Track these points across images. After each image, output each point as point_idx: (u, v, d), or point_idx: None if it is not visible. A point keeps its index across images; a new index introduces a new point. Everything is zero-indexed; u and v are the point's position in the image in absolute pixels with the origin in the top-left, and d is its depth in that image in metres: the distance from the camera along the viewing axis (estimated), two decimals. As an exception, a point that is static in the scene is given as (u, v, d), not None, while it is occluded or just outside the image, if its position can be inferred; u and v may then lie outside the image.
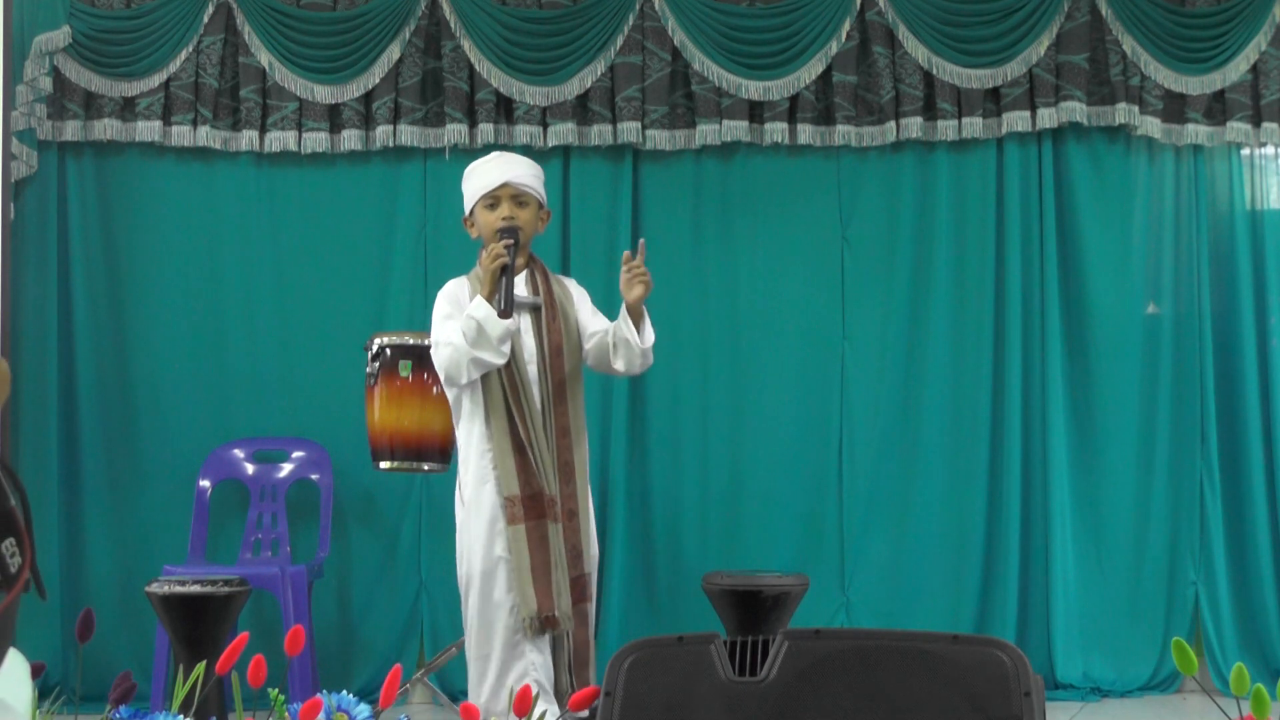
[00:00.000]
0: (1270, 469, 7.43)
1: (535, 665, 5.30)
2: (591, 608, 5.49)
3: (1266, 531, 7.40)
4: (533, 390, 5.42)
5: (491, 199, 5.56)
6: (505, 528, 5.34)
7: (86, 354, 7.53)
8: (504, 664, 5.30)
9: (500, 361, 5.32)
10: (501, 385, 5.38)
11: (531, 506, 5.32)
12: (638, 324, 5.43)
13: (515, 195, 5.55)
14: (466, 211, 5.72)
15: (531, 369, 5.45)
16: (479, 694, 5.35)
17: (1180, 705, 7.23)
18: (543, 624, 5.27)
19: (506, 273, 5.34)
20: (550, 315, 5.52)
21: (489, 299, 5.30)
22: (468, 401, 5.47)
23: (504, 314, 5.27)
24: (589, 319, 5.63)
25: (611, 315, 5.63)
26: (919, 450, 7.52)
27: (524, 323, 5.50)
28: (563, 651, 5.38)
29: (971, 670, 2.86)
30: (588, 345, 5.59)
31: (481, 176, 5.62)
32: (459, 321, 5.36)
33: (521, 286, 5.54)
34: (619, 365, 5.49)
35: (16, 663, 1.78)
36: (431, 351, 5.55)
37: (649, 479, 7.51)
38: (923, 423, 7.53)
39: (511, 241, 5.38)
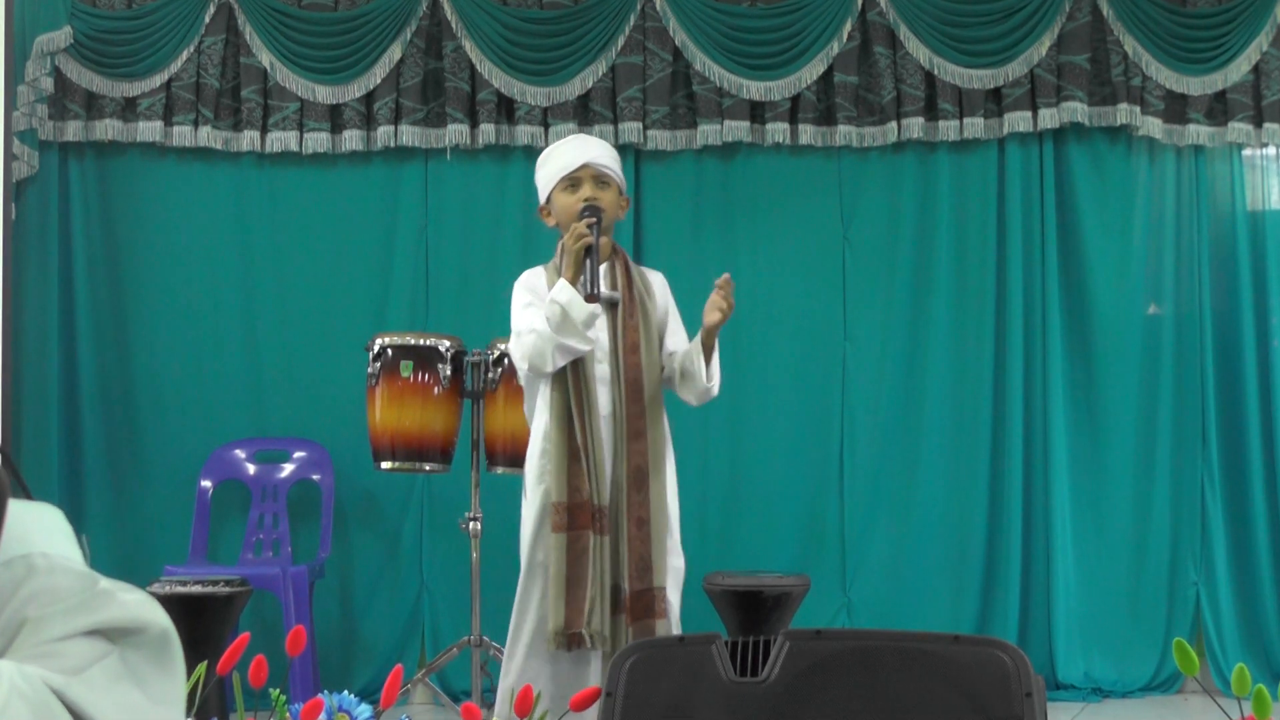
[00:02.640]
0: (1270, 469, 7.43)
1: (553, 675, 5.01)
2: (665, 623, 5.03)
3: (1267, 532, 7.41)
4: (600, 391, 5.08)
5: (571, 180, 5.20)
6: (549, 534, 5.05)
7: (88, 354, 7.53)
8: (522, 670, 5.13)
9: (587, 348, 5.00)
10: (565, 385, 5.06)
11: (575, 516, 5.00)
12: (708, 357, 5.13)
13: (597, 176, 5.19)
14: (542, 200, 5.35)
15: (602, 368, 5.10)
16: (503, 691, 5.19)
17: (1181, 706, 7.23)
18: (568, 641, 4.97)
19: (591, 253, 4.99)
20: (629, 311, 5.17)
21: (573, 282, 4.96)
22: (541, 395, 5.18)
23: (590, 297, 4.93)
24: (674, 328, 5.33)
25: None
26: (920, 451, 7.53)
27: (606, 319, 5.14)
28: None
29: (972, 671, 2.86)
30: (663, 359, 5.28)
31: (559, 159, 5.28)
32: (541, 309, 5.03)
33: (601, 279, 5.14)
34: (686, 396, 5.23)
35: (48, 515, 1.75)
36: (512, 341, 5.19)
37: (650, 479, 7.50)
38: (924, 423, 7.53)
39: (595, 220, 5.03)
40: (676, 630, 5.04)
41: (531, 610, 5.10)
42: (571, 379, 5.07)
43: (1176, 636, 3.27)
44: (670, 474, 5.22)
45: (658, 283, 5.32)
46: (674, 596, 5.10)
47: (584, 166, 5.19)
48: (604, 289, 5.10)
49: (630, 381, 5.10)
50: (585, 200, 5.14)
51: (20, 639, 1.56)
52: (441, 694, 6.88)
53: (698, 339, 5.14)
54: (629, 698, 2.99)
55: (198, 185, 7.63)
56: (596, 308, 4.99)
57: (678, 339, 5.29)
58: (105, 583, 1.63)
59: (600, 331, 5.10)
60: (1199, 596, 7.45)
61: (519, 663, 5.10)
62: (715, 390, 5.17)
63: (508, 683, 5.09)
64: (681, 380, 5.19)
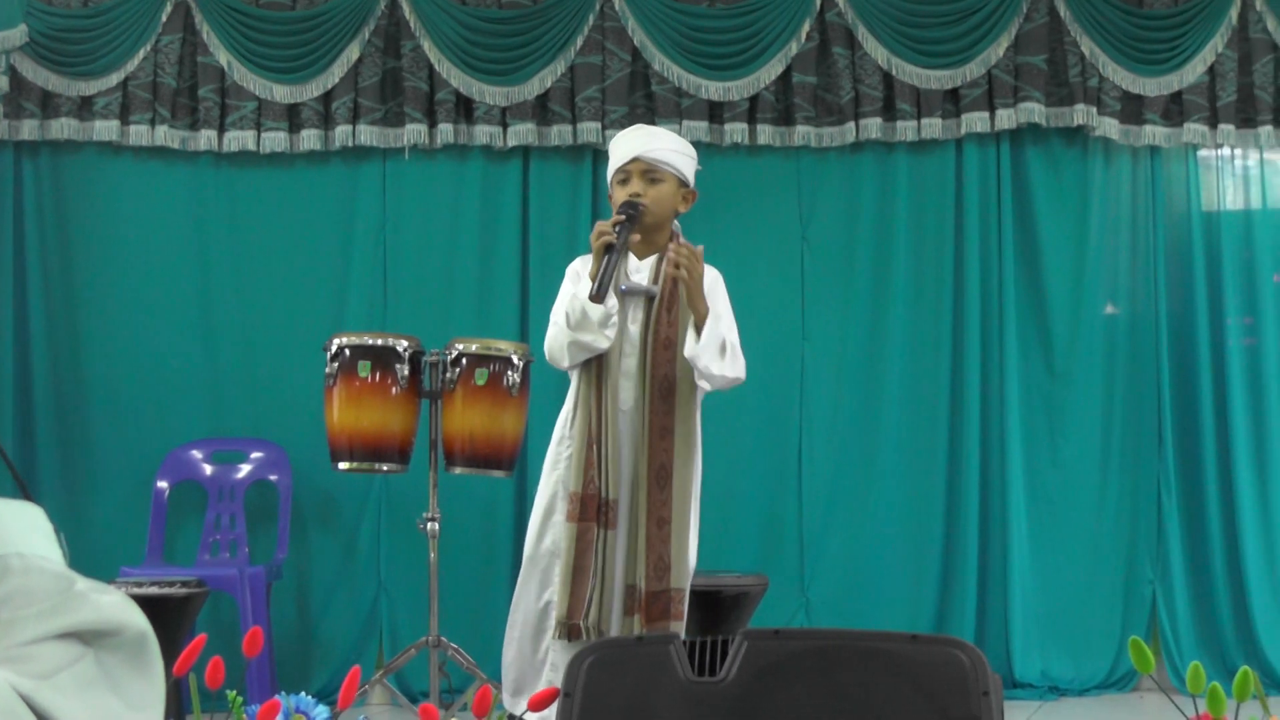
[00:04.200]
0: (1225, 469, 7.47)
1: (554, 666, 4.95)
2: (680, 625, 4.97)
3: (1221, 531, 7.45)
4: (625, 385, 5.03)
5: (623, 174, 5.13)
6: (562, 522, 5.00)
7: (42, 354, 7.50)
8: (516, 657, 5.09)
9: (603, 345, 4.93)
10: (590, 375, 5.02)
11: (585, 508, 4.94)
12: (699, 328, 4.95)
13: (647, 170, 5.09)
14: (609, 192, 5.29)
15: (630, 362, 5.03)
16: (504, 678, 5.17)
17: (1137, 704, 7.26)
18: (569, 631, 4.92)
19: (611, 253, 4.86)
20: (666, 305, 5.05)
21: (593, 279, 4.87)
22: (572, 385, 5.13)
23: (595, 297, 4.82)
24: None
25: None
26: (878, 450, 7.54)
27: (635, 312, 5.07)
28: None
29: (930, 670, 2.86)
30: None
31: (615, 152, 5.20)
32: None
33: (645, 271, 5.12)
34: (701, 383, 5.05)
35: (27, 514, 1.74)
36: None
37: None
38: (881, 423, 7.55)
39: (623, 218, 4.94)
40: (682, 631, 5.00)
41: (524, 599, 5.09)
42: (595, 370, 5.02)
43: (1132, 635, 3.29)
44: (697, 475, 5.13)
45: (707, 278, 5.09)
46: (687, 596, 5.04)
47: (634, 160, 5.11)
48: (643, 280, 5.07)
49: (660, 378, 5.01)
50: (630, 195, 5.06)
51: None
52: (399, 695, 6.86)
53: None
54: (587, 697, 2.98)
55: (154, 184, 7.60)
56: (612, 306, 4.90)
57: None
58: (82, 583, 1.62)
59: (634, 325, 5.05)
60: (1155, 595, 7.49)
61: (514, 650, 5.11)
62: (701, 364, 4.90)
63: (506, 672, 5.12)
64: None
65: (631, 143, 5.18)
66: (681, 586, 4.96)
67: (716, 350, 4.93)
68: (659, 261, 5.10)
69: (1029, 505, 7.48)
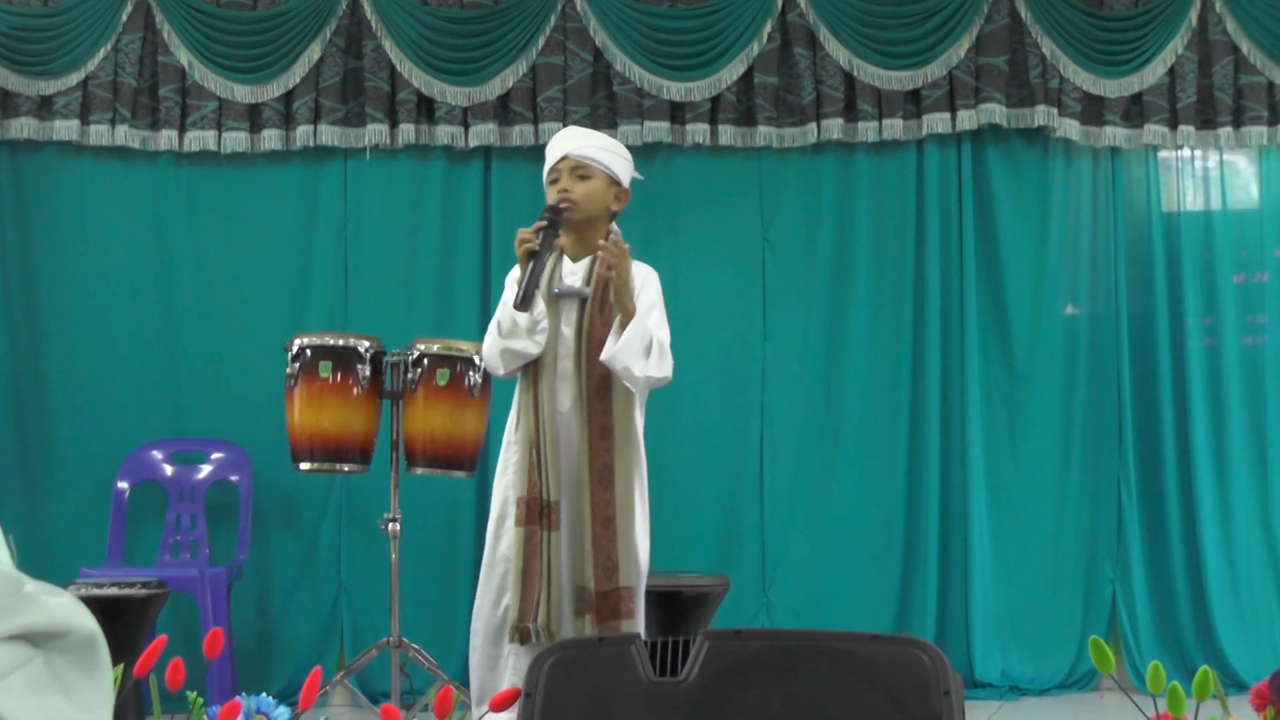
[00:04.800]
0: (1185, 468, 7.50)
1: (517, 670, 4.92)
2: (631, 624, 4.94)
3: (1181, 530, 7.48)
4: (563, 387, 5.00)
5: (555, 174, 5.08)
6: (512, 527, 4.98)
7: (1, 354, 7.47)
8: (479, 664, 5.14)
9: (535, 351, 4.92)
10: (529, 380, 5.00)
11: (531, 511, 4.93)
12: (622, 329, 4.89)
13: (576, 167, 5.04)
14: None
15: (566, 364, 4.99)
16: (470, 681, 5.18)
17: (1097, 703, 7.28)
18: (520, 635, 4.91)
19: (534, 259, 4.83)
20: (598, 306, 5.01)
21: (520, 285, 4.84)
22: (516, 389, 5.11)
23: (520, 305, 4.80)
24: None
25: None
26: (839, 451, 7.56)
27: (568, 314, 5.03)
28: None
29: (891, 670, 2.87)
30: None
31: (547, 155, 5.17)
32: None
33: (579, 273, 5.08)
34: (627, 383, 4.99)
35: None
36: None
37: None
38: (843, 423, 7.56)
39: (544, 224, 4.88)
40: (642, 627, 5.04)
41: (483, 606, 5.07)
42: (533, 374, 5.01)
43: (1093, 634, 3.30)
44: (641, 473, 5.14)
45: (638, 275, 5.09)
46: (641, 591, 5.05)
47: (563, 159, 5.08)
48: (576, 282, 5.05)
49: (596, 378, 4.98)
50: (560, 193, 5.04)
51: None
52: (360, 696, 6.85)
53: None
54: (549, 698, 2.98)
55: (115, 184, 7.57)
56: (539, 313, 4.90)
57: None
58: (31, 585, 1.61)
59: (568, 327, 5.03)
60: (1115, 595, 7.51)
61: (476, 657, 5.10)
62: (619, 366, 4.86)
63: (471, 679, 5.12)
64: None
65: (561, 142, 5.18)
66: (631, 585, 4.96)
67: (639, 351, 4.89)
68: (593, 262, 5.07)
69: (989, 505, 7.50)
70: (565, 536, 4.99)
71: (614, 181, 5.13)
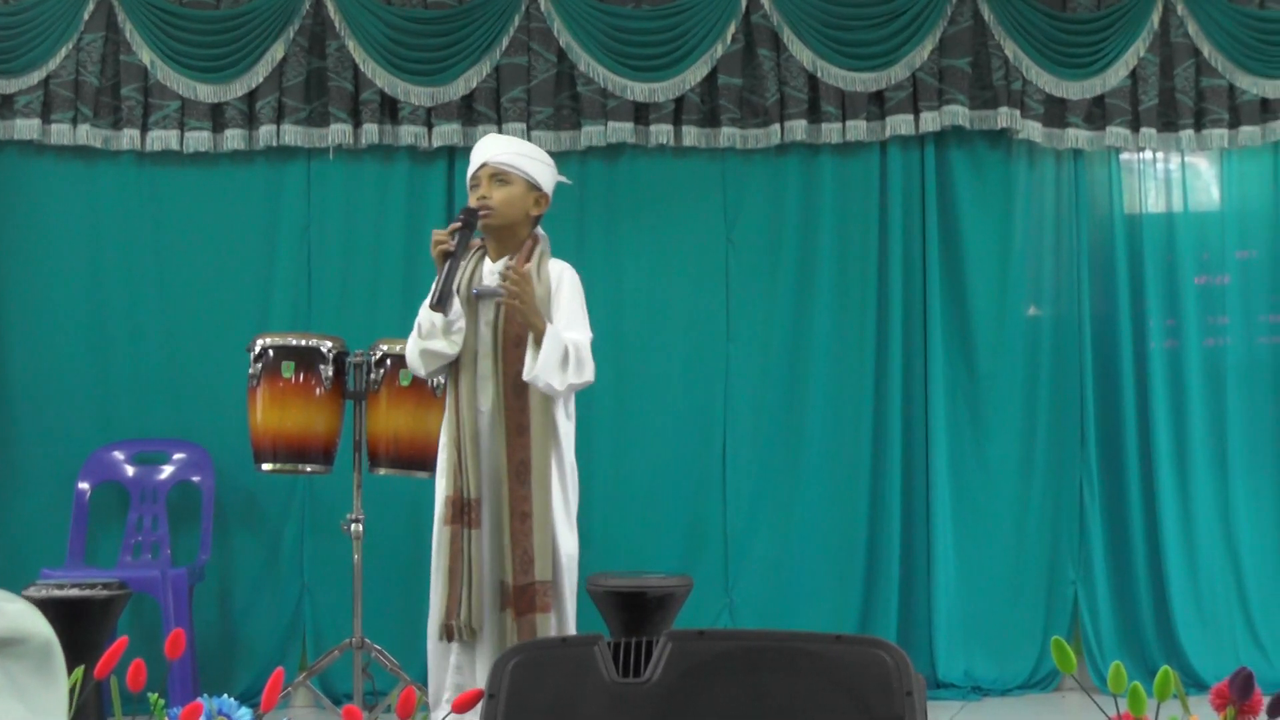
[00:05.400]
0: (1147, 469, 7.53)
1: (459, 667, 5.11)
2: (546, 618, 5.04)
3: (1143, 531, 7.51)
4: (483, 387, 5.10)
5: (475, 181, 5.25)
6: (439, 528, 5.13)
7: (-37, 354, 7.44)
8: (434, 656, 5.17)
9: (451, 351, 5.08)
10: (453, 381, 5.15)
11: (454, 509, 5.07)
12: (536, 346, 4.99)
13: (495, 174, 5.20)
14: None
15: (486, 364, 5.10)
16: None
17: (1059, 703, 7.30)
18: (445, 632, 5.07)
19: (448, 260, 4.97)
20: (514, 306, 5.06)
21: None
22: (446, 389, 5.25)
23: (434, 306, 4.95)
24: (558, 319, 5.10)
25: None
26: (802, 451, 7.56)
27: (487, 314, 5.12)
28: None
29: (854, 670, 2.87)
30: None
31: (471, 159, 5.34)
32: None
33: (496, 274, 5.15)
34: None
35: None
36: None
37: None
38: (806, 424, 7.57)
39: (459, 225, 5.05)
40: (570, 620, 5.12)
41: (432, 608, 5.16)
42: (456, 374, 5.14)
43: (1055, 635, 3.30)
44: (564, 468, 5.17)
45: (553, 273, 5.21)
46: (566, 585, 5.12)
47: (482, 166, 5.23)
48: (494, 283, 5.11)
49: (513, 376, 5.06)
50: (478, 199, 5.18)
51: None
52: (323, 697, 6.83)
53: None
54: (512, 698, 2.98)
55: (77, 184, 7.54)
56: (454, 314, 5.03)
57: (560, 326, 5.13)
58: None
59: (486, 327, 5.12)
60: (1077, 595, 7.54)
61: (430, 660, 5.20)
62: (541, 385, 4.97)
63: (429, 676, 5.22)
64: None
65: (481, 150, 5.31)
66: (547, 579, 5.04)
67: (555, 364, 4.99)
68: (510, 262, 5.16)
69: (953, 505, 7.52)
70: (486, 533, 5.09)
71: (533, 187, 5.27)
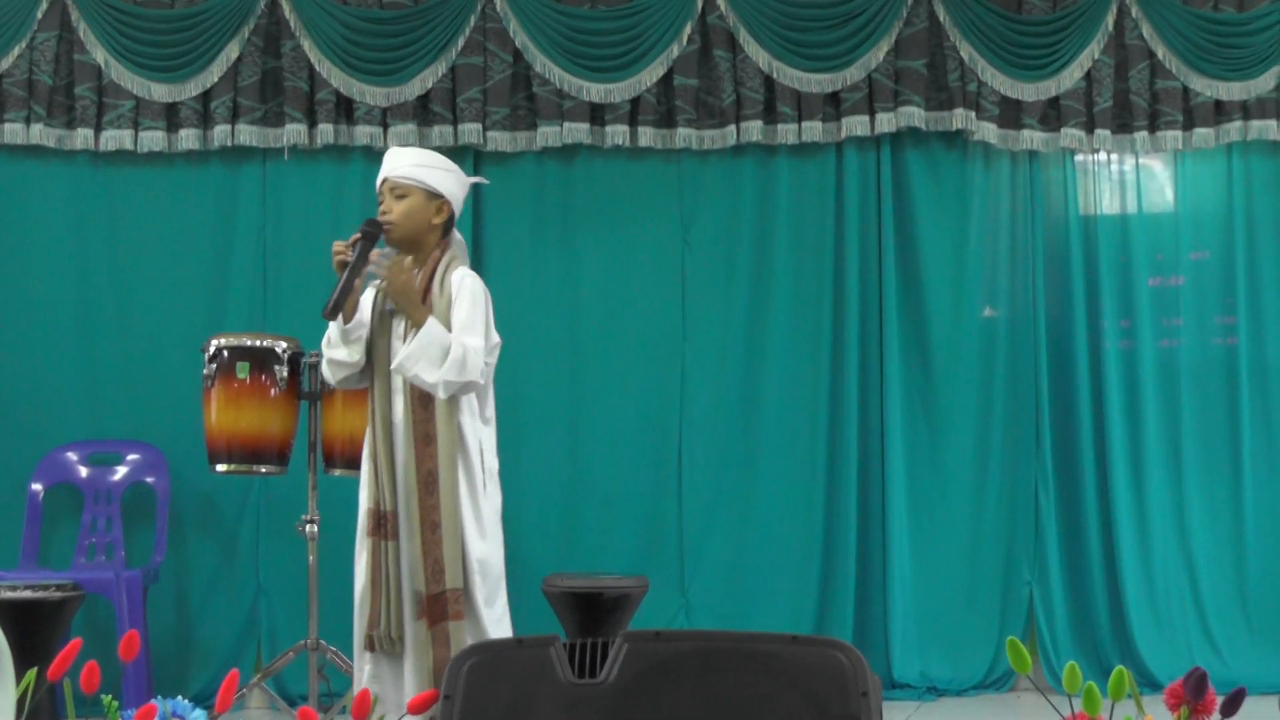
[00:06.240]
0: (1102, 470, 7.56)
1: (375, 677, 5.15)
2: (459, 626, 5.05)
3: (1098, 531, 7.53)
4: (396, 399, 5.12)
5: (380, 197, 5.26)
6: (362, 539, 5.20)
7: (-86, 355, 7.40)
8: (359, 667, 5.21)
9: (352, 360, 5.16)
10: (370, 393, 5.20)
11: (373, 521, 5.14)
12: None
13: (394, 189, 5.22)
14: None
15: (398, 377, 5.09)
16: None
17: (1014, 703, 7.32)
18: (367, 642, 5.15)
19: (346, 270, 5.05)
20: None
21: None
22: None
23: (326, 314, 5.07)
24: (453, 323, 5.08)
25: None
26: (758, 452, 7.57)
27: (397, 327, 5.15)
28: (424, 672, 5.04)
29: (810, 671, 2.87)
30: None
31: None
32: None
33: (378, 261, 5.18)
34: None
35: None
36: None
37: (490, 481, 7.48)
38: (762, 425, 7.57)
39: (359, 237, 5.09)
40: (489, 626, 5.14)
41: (355, 617, 5.25)
42: (372, 386, 5.21)
43: (1010, 635, 3.31)
44: (474, 476, 5.18)
45: (454, 280, 5.18)
46: (479, 591, 5.13)
47: (383, 182, 5.27)
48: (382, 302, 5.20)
49: (417, 387, 5.07)
50: (380, 214, 5.22)
51: None
52: (278, 698, 6.81)
53: None
54: (468, 700, 2.97)
55: (30, 184, 7.51)
56: (353, 324, 5.12)
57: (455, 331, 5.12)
58: None
59: (397, 340, 5.15)
60: (1032, 596, 7.55)
61: (354, 667, 5.28)
62: (409, 375, 5.00)
63: (354, 687, 5.29)
64: None
65: (383, 167, 5.32)
66: (458, 586, 5.07)
67: (432, 359, 5.00)
68: (426, 277, 5.19)
69: (908, 506, 7.53)
70: (403, 544, 5.12)
71: (433, 196, 5.26)
